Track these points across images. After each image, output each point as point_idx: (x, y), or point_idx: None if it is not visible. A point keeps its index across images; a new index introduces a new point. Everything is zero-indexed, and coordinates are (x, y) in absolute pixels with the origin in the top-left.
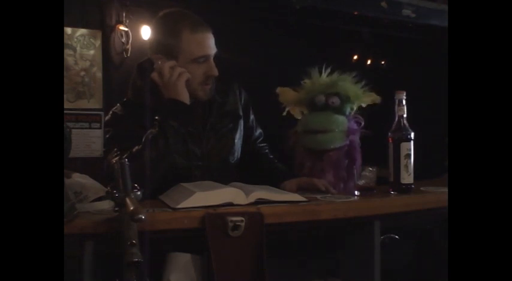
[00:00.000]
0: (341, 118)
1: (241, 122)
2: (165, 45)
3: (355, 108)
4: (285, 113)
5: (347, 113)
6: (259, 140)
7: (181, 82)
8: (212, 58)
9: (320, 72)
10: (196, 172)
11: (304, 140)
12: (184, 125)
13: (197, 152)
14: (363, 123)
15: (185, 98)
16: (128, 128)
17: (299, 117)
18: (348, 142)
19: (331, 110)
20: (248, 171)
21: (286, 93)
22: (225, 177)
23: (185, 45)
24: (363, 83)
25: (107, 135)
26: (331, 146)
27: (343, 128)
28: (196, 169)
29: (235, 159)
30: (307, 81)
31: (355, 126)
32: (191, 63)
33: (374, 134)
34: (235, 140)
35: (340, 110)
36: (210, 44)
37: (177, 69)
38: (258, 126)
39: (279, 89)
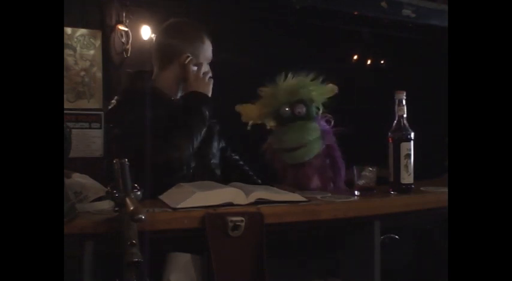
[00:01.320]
0: (313, 125)
1: (215, 122)
2: (192, 46)
3: (320, 107)
4: (249, 128)
5: (315, 115)
6: (228, 150)
7: (211, 85)
8: None
9: (274, 81)
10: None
11: (283, 156)
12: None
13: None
14: (333, 121)
15: (210, 94)
16: (135, 112)
17: (267, 125)
18: (325, 144)
19: (299, 119)
20: (228, 179)
21: (247, 110)
22: (213, 164)
23: (206, 48)
24: (320, 78)
25: (111, 125)
26: (312, 157)
27: (317, 134)
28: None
29: (217, 150)
30: (263, 90)
31: (326, 126)
32: (205, 63)
33: (347, 130)
34: (214, 134)
35: (308, 117)
36: None
37: (208, 75)
38: (223, 137)
39: (238, 108)
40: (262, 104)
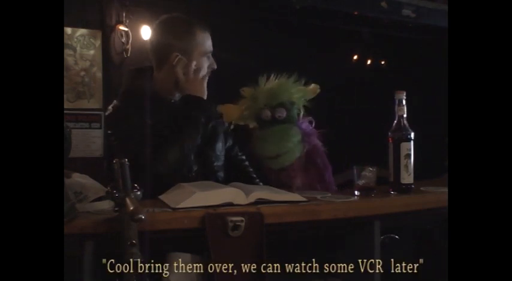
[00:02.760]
0: (293, 130)
1: (221, 121)
2: (182, 43)
3: (302, 109)
4: (232, 127)
5: (295, 117)
6: (234, 149)
7: (205, 83)
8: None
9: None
10: (192, 161)
11: (265, 162)
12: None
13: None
14: (314, 123)
15: (205, 95)
16: (132, 119)
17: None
18: (308, 146)
19: (280, 123)
20: (230, 177)
21: (229, 110)
22: (216, 166)
23: (199, 42)
24: (303, 80)
25: (109, 131)
26: (293, 161)
27: (298, 138)
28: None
29: (222, 151)
30: (245, 90)
31: (308, 128)
32: (202, 58)
33: (330, 132)
34: (219, 134)
35: (289, 120)
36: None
37: (201, 72)
38: (230, 135)
39: (220, 108)
40: (243, 105)
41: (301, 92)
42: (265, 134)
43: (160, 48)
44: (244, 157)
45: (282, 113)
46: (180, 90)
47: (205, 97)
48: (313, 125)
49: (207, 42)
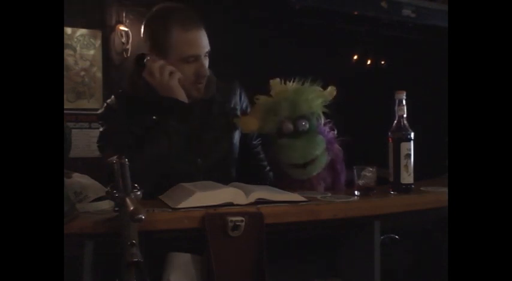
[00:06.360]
0: (319, 139)
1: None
2: (155, 43)
3: (321, 115)
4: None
5: (316, 125)
6: (257, 145)
7: (174, 81)
8: (203, 57)
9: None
10: (195, 171)
11: (290, 172)
12: (184, 124)
13: (196, 151)
14: (336, 130)
15: (181, 96)
16: (122, 122)
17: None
18: (331, 154)
19: (303, 134)
20: (242, 172)
21: (247, 123)
22: (223, 176)
23: (175, 43)
24: (319, 84)
25: (101, 129)
26: (320, 170)
27: (323, 147)
28: (195, 168)
29: (233, 159)
30: (260, 98)
31: (330, 134)
32: (181, 62)
33: (351, 140)
34: (233, 141)
35: (311, 128)
36: (201, 43)
37: (166, 68)
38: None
39: (236, 120)
40: (261, 117)
41: (320, 98)
42: (290, 143)
43: (143, 46)
44: (262, 155)
45: (305, 126)
46: (157, 91)
47: (180, 98)
48: (335, 131)
49: (189, 45)
